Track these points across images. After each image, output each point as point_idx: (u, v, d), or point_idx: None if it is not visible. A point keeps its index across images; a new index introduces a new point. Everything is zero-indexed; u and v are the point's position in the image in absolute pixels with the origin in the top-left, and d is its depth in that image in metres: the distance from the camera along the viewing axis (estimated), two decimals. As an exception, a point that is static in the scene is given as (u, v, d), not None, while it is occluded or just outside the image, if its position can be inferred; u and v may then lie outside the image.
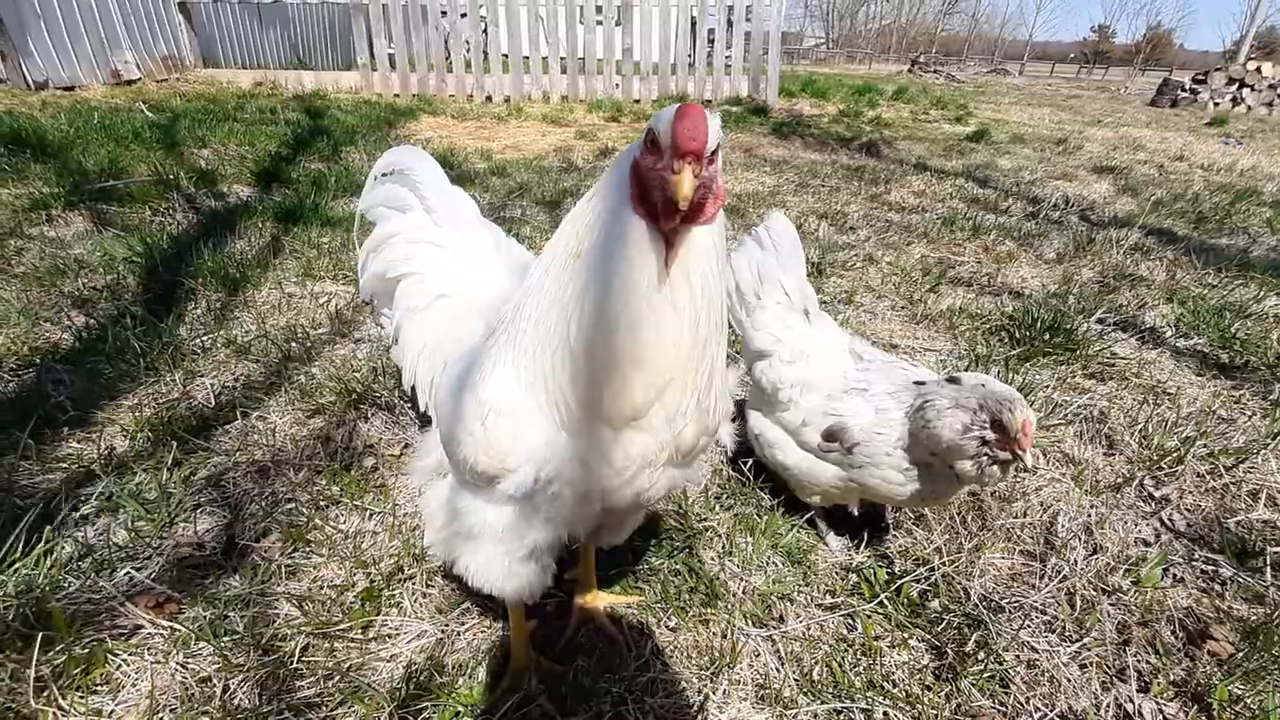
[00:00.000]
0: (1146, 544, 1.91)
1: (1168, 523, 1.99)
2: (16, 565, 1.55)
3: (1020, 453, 1.44)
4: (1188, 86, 16.35)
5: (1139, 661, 1.54)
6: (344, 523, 1.82)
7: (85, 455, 1.97)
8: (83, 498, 1.79)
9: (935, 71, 25.97)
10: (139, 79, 9.25)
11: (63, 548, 1.64)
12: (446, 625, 1.54)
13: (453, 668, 1.45)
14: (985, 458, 1.49)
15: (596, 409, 0.99)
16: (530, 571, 1.21)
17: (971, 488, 2.03)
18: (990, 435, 1.47)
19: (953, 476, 1.57)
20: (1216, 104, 15.68)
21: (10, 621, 1.41)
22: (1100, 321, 3.19)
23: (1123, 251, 4.30)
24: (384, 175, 1.59)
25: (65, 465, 1.92)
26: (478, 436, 1.07)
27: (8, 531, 1.64)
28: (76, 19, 8.43)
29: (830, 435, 1.67)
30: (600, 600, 1.60)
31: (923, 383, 1.66)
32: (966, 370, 2.12)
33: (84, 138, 5.22)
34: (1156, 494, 2.08)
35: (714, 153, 0.89)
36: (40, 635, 1.35)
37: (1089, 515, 1.95)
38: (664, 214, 0.91)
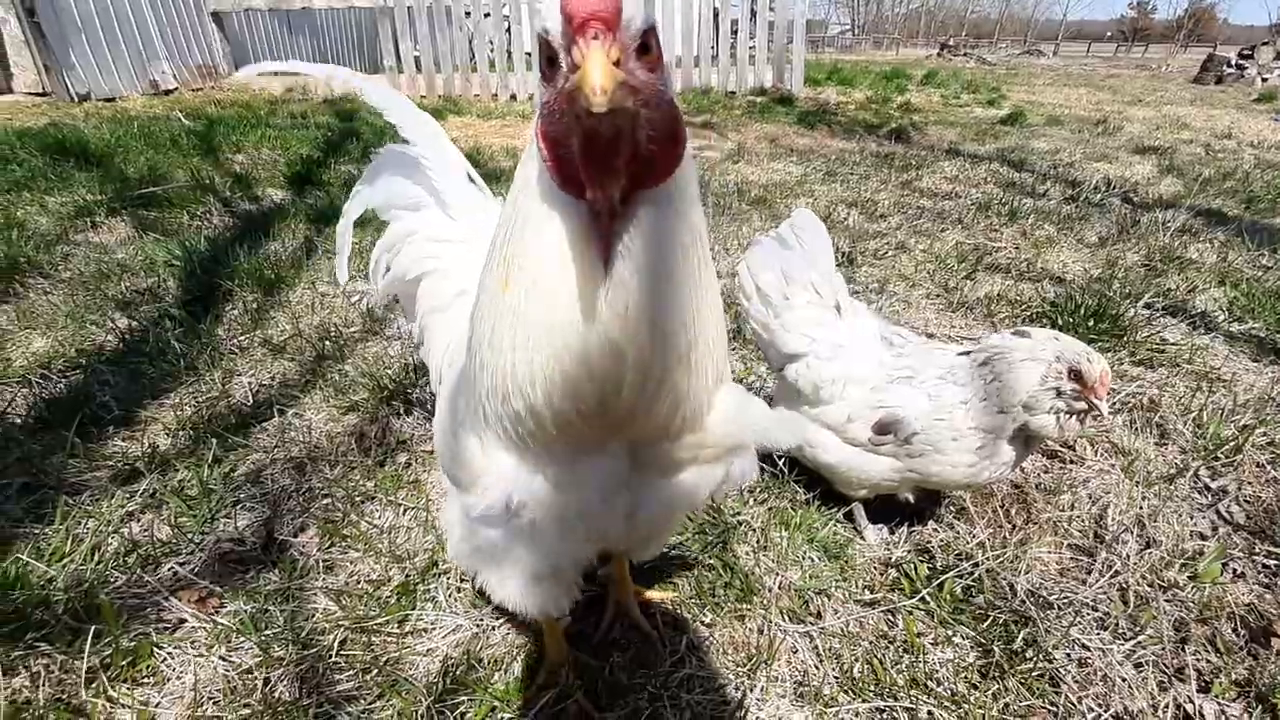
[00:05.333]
0: (1203, 537, 1.82)
1: (1226, 515, 1.90)
2: (66, 560, 1.60)
3: (1097, 401, 1.45)
4: (1233, 62, 15.71)
5: (1198, 660, 1.47)
6: (379, 518, 1.84)
7: (130, 453, 2.02)
8: (128, 494, 1.84)
9: (965, 55, 25.35)
10: (176, 88, 9.50)
11: (110, 543, 1.68)
12: (481, 620, 1.54)
13: (488, 662, 1.45)
14: (1063, 412, 1.49)
15: (528, 432, 0.84)
16: (549, 591, 1.10)
17: (1015, 478, 1.97)
18: (1067, 386, 1.46)
19: (1022, 442, 1.56)
20: (1264, 79, 15.00)
21: (61, 615, 1.45)
22: (1148, 306, 3.07)
23: (1169, 234, 4.13)
24: (394, 148, 1.52)
25: (111, 463, 1.97)
26: (453, 451, 0.99)
27: (58, 528, 1.69)
28: (116, 32, 8.68)
29: (883, 428, 1.63)
30: (634, 596, 1.58)
31: (967, 352, 1.63)
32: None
33: (125, 146, 5.37)
34: (1213, 485, 1.99)
35: (646, 44, 0.62)
36: (91, 629, 1.39)
37: (1141, 507, 1.87)
38: (586, 167, 0.64)
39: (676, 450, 0.91)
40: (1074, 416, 1.51)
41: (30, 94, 8.20)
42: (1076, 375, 1.46)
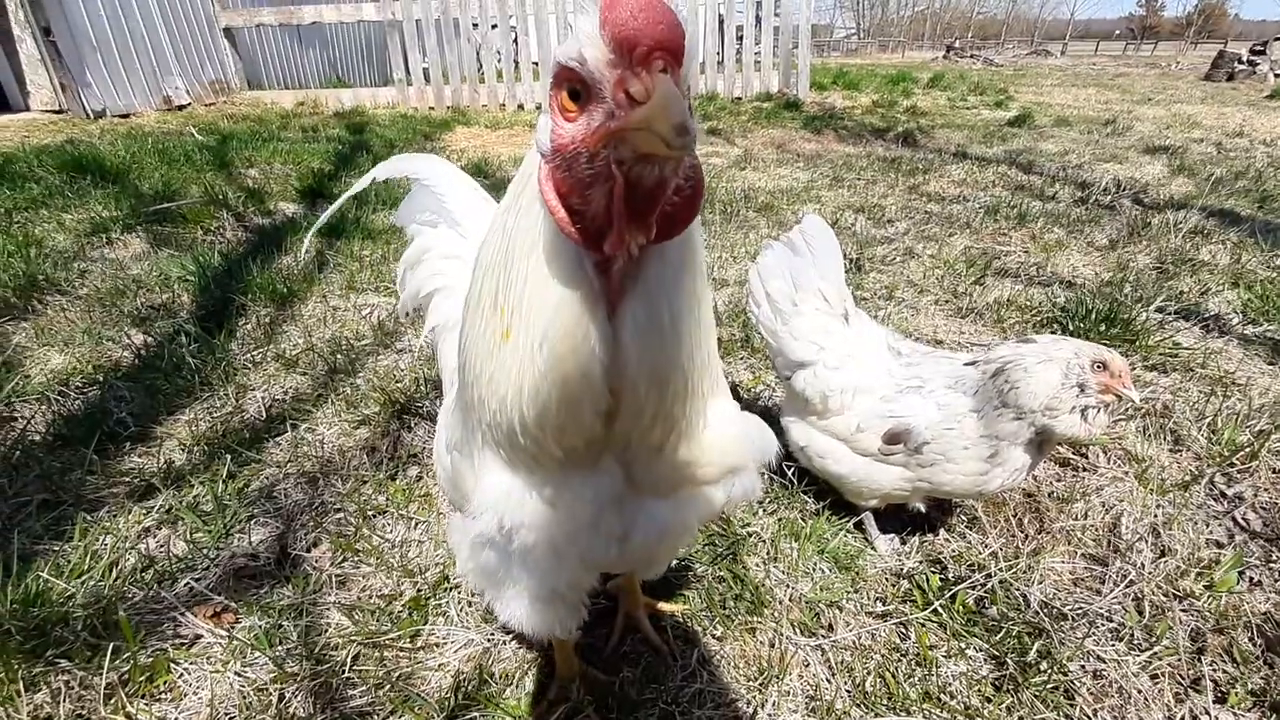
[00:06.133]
0: (1219, 545, 1.80)
1: (1242, 522, 1.87)
2: (85, 577, 1.62)
3: (1125, 390, 1.46)
4: (1245, 58, 15.54)
5: (1215, 670, 1.45)
6: (390, 532, 1.85)
7: (146, 469, 2.04)
8: (145, 510, 1.86)
9: (972, 56, 25.28)
10: (189, 104, 9.64)
11: (127, 559, 1.71)
12: (492, 635, 1.54)
13: (499, 677, 1.45)
14: (1091, 408, 1.48)
15: (533, 457, 0.85)
16: (553, 613, 1.09)
17: (1027, 486, 1.96)
18: (1091, 380, 1.46)
19: (1035, 448, 1.56)
20: (1277, 75, 14.84)
21: (80, 631, 1.47)
22: (1160, 310, 3.04)
23: (1181, 235, 4.10)
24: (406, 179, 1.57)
25: (128, 479, 2.00)
26: (448, 471, 1.00)
27: (77, 544, 1.72)
28: (130, 49, 8.84)
29: (893, 438, 1.63)
30: (644, 608, 1.58)
31: (973, 362, 1.62)
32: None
33: (139, 162, 5.45)
34: (1229, 492, 1.97)
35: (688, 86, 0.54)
36: (110, 645, 1.41)
37: (1155, 516, 1.86)
38: (622, 219, 0.58)
39: (671, 465, 0.90)
40: (1101, 410, 1.49)
41: (47, 111, 8.35)
42: (1102, 365, 1.46)
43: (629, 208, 0.58)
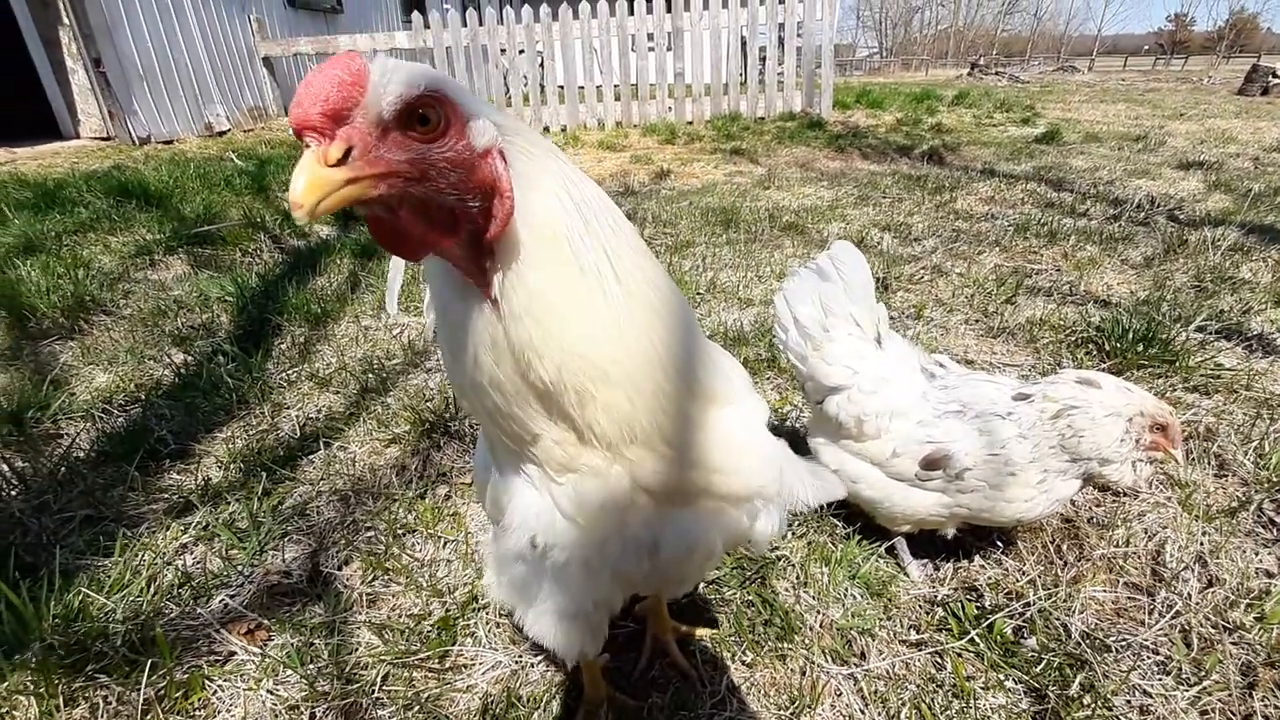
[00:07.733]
0: (1269, 575, 1.73)
1: (1294, 551, 1.80)
2: (124, 593, 1.66)
3: (1175, 451, 1.52)
4: (1279, 72, 15.18)
5: (1266, 706, 1.39)
6: (420, 551, 1.87)
7: (184, 486, 2.09)
8: (183, 527, 1.90)
9: (997, 73, 25.12)
10: (229, 130, 9.99)
11: (165, 575, 1.74)
12: (520, 657, 1.54)
13: (527, 700, 1.45)
14: (1139, 461, 1.54)
15: (513, 453, 0.89)
16: (579, 632, 1.09)
17: (1065, 512, 1.91)
18: (1147, 438, 1.52)
19: (1081, 480, 1.57)
20: (1317, 89, 14.47)
21: (119, 647, 1.50)
22: (1200, 330, 2.96)
23: (1220, 253, 3.99)
24: None
25: (166, 495, 2.05)
26: (485, 489, 1.03)
27: (117, 560, 1.76)
28: (174, 78, 9.21)
29: (931, 463, 1.61)
30: (672, 632, 1.57)
31: (1026, 396, 1.60)
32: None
33: (181, 187, 5.65)
34: (1278, 519, 1.90)
35: (424, 116, 0.62)
36: (148, 661, 1.44)
37: (1201, 543, 1.79)
38: (387, 244, 0.72)
39: (676, 466, 0.89)
40: (1148, 464, 1.56)
41: (95, 138, 8.71)
42: (1161, 428, 1.52)
43: (380, 238, 0.71)
